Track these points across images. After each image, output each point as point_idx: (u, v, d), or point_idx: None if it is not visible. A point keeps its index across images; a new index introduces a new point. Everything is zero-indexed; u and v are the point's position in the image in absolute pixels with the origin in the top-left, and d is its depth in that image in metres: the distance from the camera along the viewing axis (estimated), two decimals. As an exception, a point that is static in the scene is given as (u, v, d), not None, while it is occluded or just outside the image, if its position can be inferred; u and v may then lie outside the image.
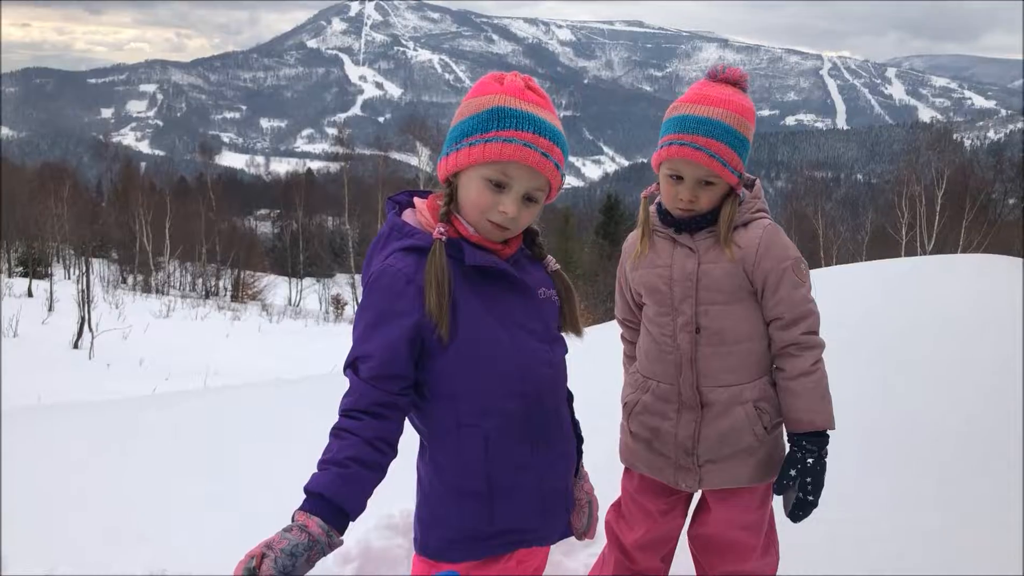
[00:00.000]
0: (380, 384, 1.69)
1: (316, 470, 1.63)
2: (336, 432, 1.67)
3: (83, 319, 18.30)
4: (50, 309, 21.42)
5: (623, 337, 2.57)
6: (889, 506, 3.39)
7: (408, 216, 1.84)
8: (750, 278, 2.19)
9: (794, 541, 2.91)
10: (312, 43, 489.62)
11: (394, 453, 1.70)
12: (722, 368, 2.23)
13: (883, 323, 5.89)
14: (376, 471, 1.66)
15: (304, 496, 1.60)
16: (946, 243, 36.33)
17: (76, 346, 17.67)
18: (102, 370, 15.53)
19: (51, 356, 16.02)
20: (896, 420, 4.21)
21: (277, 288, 44.56)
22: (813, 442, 2.15)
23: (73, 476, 4.29)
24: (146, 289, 40.37)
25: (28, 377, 12.94)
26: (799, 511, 2.14)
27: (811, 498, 2.13)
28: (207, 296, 42.01)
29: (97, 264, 38.34)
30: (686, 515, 2.48)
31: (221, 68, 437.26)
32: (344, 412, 1.69)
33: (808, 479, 2.12)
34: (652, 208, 2.33)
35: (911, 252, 35.59)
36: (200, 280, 46.32)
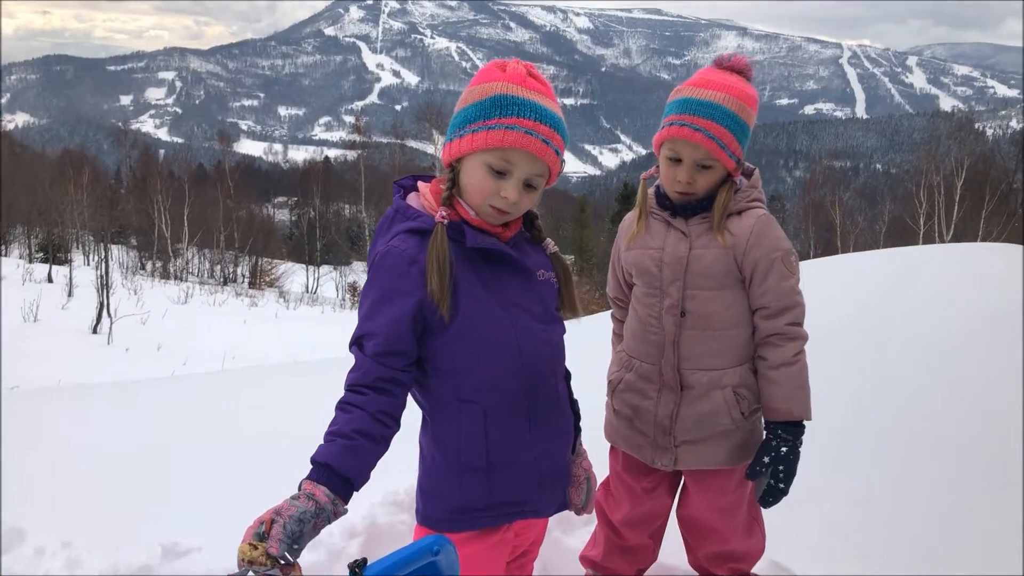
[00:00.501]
0: (384, 360, 1.76)
1: (323, 441, 1.70)
2: (342, 406, 1.74)
3: (102, 304, 18.50)
4: (69, 295, 21.64)
5: (613, 316, 2.62)
6: (890, 496, 3.42)
7: (412, 199, 1.90)
8: (739, 266, 2.24)
9: (792, 535, 2.97)
10: (330, 31, 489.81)
11: (397, 427, 1.77)
12: (704, 352, 2.28)
13: (888, 311, 5.89)
14: (380, 444, 1.73)
15: (311, 466, 1.67)
16: (965, 233, 36.00)
17: (95, 331, 17.86)
18: (120, 355, 15.72)
19: (70, 341, 16.22)
20: (901, 408, 4.23)
21: (294, 275, 44.80)
22: (789, 431, 2.19)
23: (88, 452, 4.38)
24: (164, 275, 40.68)
25: (47, 361, 13.13)
26: (769, 497, 2.20)
27: (782, 486, 2.18)
28: (225, 283, 42.28)
29: (116, 250, 38.68)
30: (673, 495, 2.54)
31: (239, 56, 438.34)
32: (350, 387, 1.76)
33: (780, 467, 2.17)
34: (651, 190, 2.38)
35: (929, 242, 35.33)
36: (218, 267, 46.61)
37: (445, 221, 1.79)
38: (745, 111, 2.20)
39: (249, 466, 4.01)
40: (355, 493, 1.71)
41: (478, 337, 1.81)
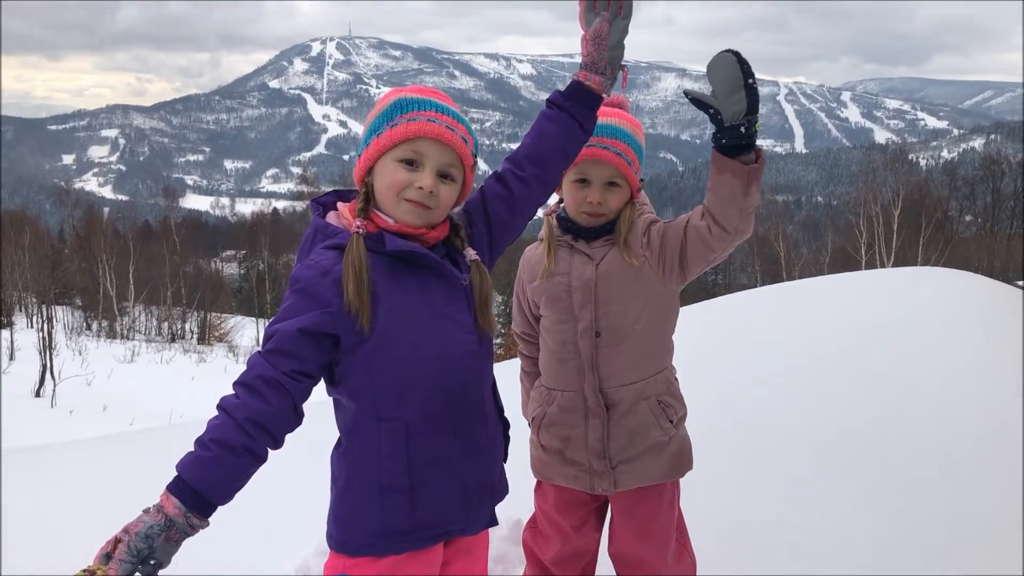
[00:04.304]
0: (271, 358, 1.68)
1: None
2: (217, 407, 1.66)
3: (44, 367, 18.07)
4: (11, 358, 21.10)
5: (521, 352, 2.62)
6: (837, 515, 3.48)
7: (332, 218, 1.86)
8: (653, 261, 2.26)
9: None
10: (274, 83, 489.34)
11: (269, 439, 1.67)
12: (623, 366, 2.30)
13: (834, 332, 6.06)
14: (242, 456, 1.62)
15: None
16: (905, 261, 37.01)
17: (38, 395, 17.42)
18: (64, 417, 15.33)
19: (11, 406, 15.74)
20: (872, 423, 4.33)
21: (244, 329, 44.17)
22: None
23: (30, 515, 4.28)
24: (111, 335, 39.81)
25: (-13, 427, 12.74)
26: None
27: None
28: (173, 339, 41.51)
29: (60, 311, 37.83)
30: (600, 528, 2.53)
31: (183, 111, 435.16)
32: (234, 384, 1.69)
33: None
34: (552, 219, 2.40)
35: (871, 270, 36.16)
36: (166, 324, 45.78)
37: (362, 231, 1.75)
38: (638, 134, 2.30)
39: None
40: (220, 507, 1.63)
41: (400, 350, 1.74)
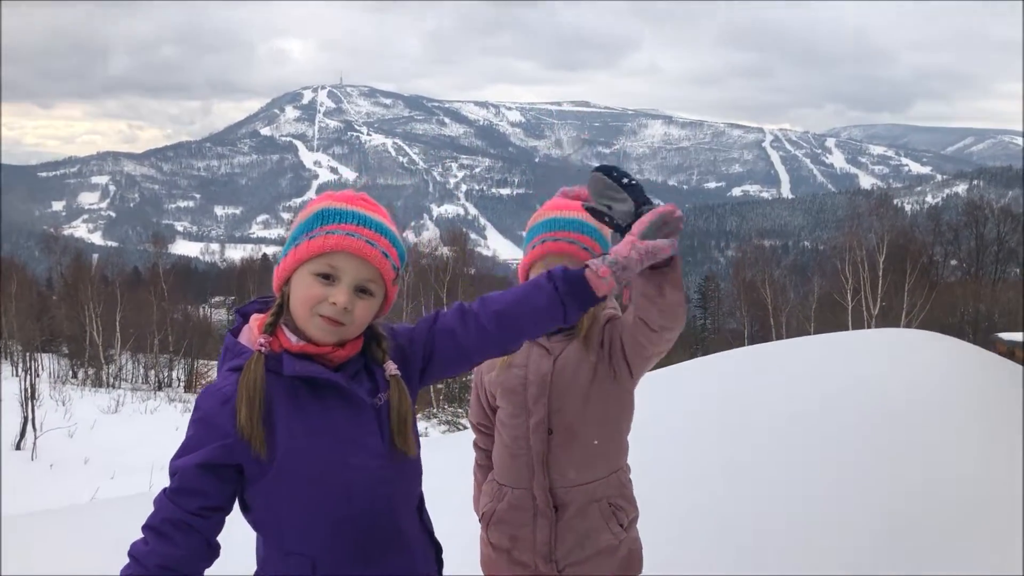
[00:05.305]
0: (177, 499, 1.63)
1: None
2: (128, 554, 1.62)
3: (26, 419, 17.87)
4: (-8, 409, 20.87)
5: (475, 444, 2.58)
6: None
7: (244, 333, 1.79)
8: (601, 353, 2.25)
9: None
10: (266, 131, 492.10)
11: None
12: (574, 465, 2.26)
13: (814, 395, 6.07)
14: None
15: None
16: (891, 307, 37.18)
17: (19, 447, 17.21)
18: (44, 471, 15.15)
19: (-9, 459, 15.58)
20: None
21: (232, 377, 43.84)
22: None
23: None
24: (97, 383, 39.48)
25: (-34, 482, 12.55)
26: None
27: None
28: (159, 388, 41.17)
29: (47, 359, 37.55)
30: None
31: (174, 158, 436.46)
32: (142, 528, 1.64)
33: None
34: None
35: (857, 317, 36.33)
36: (152, 371, 45.44)
37: (264, 349, 1.67)
38: (602, 229, 2.28)
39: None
40: None
41: (301, 481, 1.66)
